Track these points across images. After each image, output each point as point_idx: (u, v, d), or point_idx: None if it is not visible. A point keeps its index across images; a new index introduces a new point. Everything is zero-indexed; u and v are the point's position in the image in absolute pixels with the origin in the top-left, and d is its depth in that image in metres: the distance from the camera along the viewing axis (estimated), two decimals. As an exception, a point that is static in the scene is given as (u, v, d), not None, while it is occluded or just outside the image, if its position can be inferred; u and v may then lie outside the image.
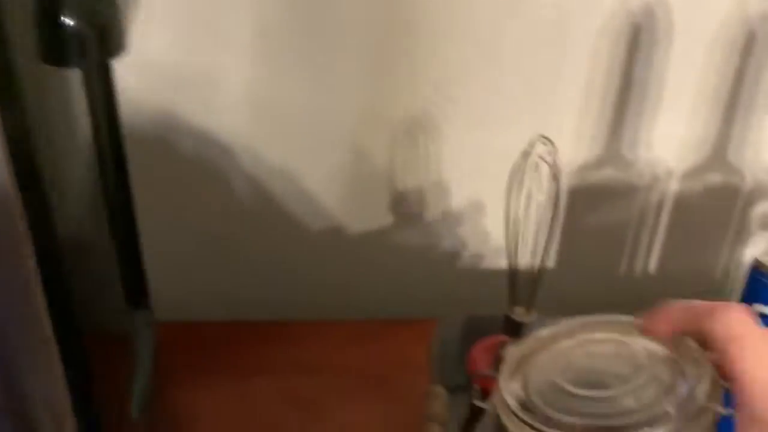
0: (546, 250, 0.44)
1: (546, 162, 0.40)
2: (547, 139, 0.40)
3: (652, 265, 0.66)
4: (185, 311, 0.64)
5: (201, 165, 0.60)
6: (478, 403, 0.38)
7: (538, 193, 0.41)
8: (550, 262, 0.66)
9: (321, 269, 0.65)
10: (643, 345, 0.35)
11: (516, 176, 0.41)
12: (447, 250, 0.65)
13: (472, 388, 0.39)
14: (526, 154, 0.41)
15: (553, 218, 0.42)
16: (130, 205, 0.35)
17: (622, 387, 0.32)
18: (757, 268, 0.42)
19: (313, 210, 0.63)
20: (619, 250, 0.66)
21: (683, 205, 0.63)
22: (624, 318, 0.36)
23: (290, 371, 0.55)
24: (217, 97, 0.57)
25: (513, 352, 0.36)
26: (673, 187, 0.63)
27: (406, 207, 0.63)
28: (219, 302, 0.65)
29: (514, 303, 0.46)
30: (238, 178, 0.61)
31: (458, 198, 0.63)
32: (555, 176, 0.41)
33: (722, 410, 0.31)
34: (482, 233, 0.64)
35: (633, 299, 0.69)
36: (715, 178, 0.62)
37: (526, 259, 0.46)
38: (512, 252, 0.44)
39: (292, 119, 0.59)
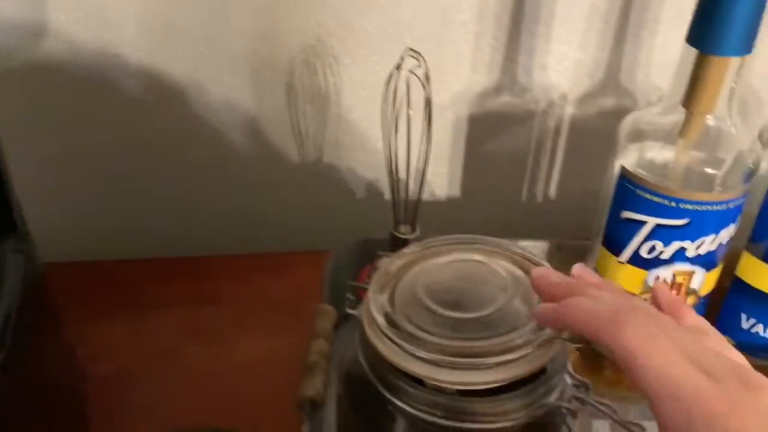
0: (424, 164, 0.44)
1: (416, 75, 0.40)
2: (415, 52, 0.40)
3: (552, 188, 0.68)
4: (86, 250, 0.64)
5: (98, 94, 0.58)
6: (349, 310, 0.39)
7: (410, 108, 0.42)
8: (455, 190, 0.67)
9: (220, 202, 0.65)
10: (508, 269, 0.36)
11: (388, 92, 0.42)
12: (349, 180, 0.65)
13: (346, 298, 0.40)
14: (396, 68, 0.41)
15: (427, 132, 0.43)
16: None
17: (483, 310, 0.34)
18: (623, 176, 0.44)
19: (214, 142, 0.62)
20: (520, 175, 0.67)
21: (579, 129, 0.65)
22: (496, 240, 0.38)
23: (190, 304, 0.56)
24: (113, 20, 0.55)
25: (385, 265, 0.37)
26: (569, 111, 0.64)
27: (307, 137, 0.63)
28: (121, 240, 0.65)
29: (398, 221, 0.47)
30: (139, 107, 0.60)
31: (360, 127, 0.63)
32: (425, 89, 0.41)
33: (567, 339, 0.32)
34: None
35: (536, 222, 0.71)
36: (608, 101, 0.64)
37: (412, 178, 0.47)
38: (391, 169, 0.44)
39: (191, 43, 0.57)
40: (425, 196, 0.66)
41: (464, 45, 0.60)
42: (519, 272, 0.36)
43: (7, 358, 0.33)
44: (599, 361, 0.48)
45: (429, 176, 0.65)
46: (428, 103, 0.41)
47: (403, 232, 0.47)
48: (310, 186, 0.65)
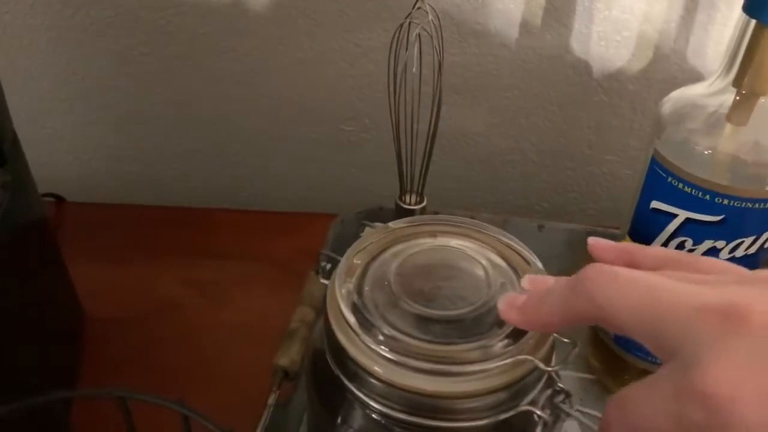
0: (433, 130, 0.40)
1: (426, 31, 0.36)
2: (426, 4, 0.36)
3: (605, 170, 0.63)
4: (108, 193, 0.64)
5: (134, 38, 0.58)
6: (323, 280, 0.36)
7: (421, 68, 0.38)
8: (493, 160, 0.63)
9: (235, 159, 0.64)
10: (495, 260, 0.32)
11: (394, 48, 0.38)
12: (369, 144, 0.62)
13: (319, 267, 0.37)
14: (404, 23, 0.37)
15: (436, 94, 0.39)
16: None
17: (461, 308, 0.30)
18: (655, 161, 0.39)
19: (234, 97, 0.60)
20: (567, 151, 0.62)
21: (637, 107, 0.59)
22: (485, 226, 0.34)
23: (195, 256, 0.55)
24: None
25: (360, 242, 0.34)
26: (628, 87, 0.58)
27: (333, 93, 0.60)
28: (141, 186, 0.65)
29: (404, 191, 0.44)
30: (177, 59, 0.59)
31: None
32: (435, 49, 0.37)
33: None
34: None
35: (579, 206, 0.65)
36: (671, 79, 0.57)
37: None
38: (396, 135, 0.41)
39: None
40: (450, 164, 0.62)
41: (513, 5, 0.55)
42: (504, 265, 0.32)
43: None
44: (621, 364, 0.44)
45: (463, 143, 0.62)
46: (440, 65, 0.37)
47: (409, 202, 0.43)
48: (334, 148, 0.63)
